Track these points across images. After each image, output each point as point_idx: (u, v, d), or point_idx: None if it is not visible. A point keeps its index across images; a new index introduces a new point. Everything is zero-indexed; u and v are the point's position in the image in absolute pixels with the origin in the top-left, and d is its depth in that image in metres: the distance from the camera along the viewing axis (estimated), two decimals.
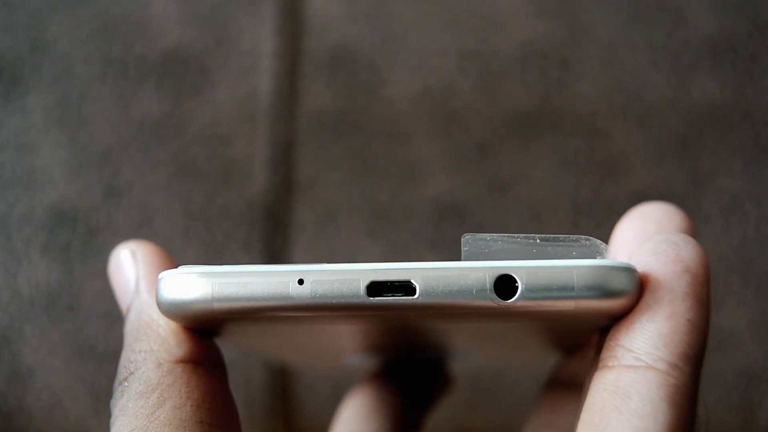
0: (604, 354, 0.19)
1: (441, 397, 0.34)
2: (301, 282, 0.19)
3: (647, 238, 0.20)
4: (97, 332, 0.43)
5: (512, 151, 0.45)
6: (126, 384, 0.20)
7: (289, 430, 0.46)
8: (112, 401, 0.21)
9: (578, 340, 0.26)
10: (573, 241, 0.20)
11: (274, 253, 0.44)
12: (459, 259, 0.20)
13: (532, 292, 0.19)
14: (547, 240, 0.20)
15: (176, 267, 0.22)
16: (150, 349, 0.21)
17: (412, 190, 0.45)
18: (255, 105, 0.45)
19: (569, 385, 0.28)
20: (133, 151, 0.44)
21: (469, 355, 0.32)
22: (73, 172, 0.44)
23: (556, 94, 0.45)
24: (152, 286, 0.22)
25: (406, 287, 0.19)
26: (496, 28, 0.46)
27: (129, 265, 0.23)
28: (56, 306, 0.44)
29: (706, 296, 0.19)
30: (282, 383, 0.45)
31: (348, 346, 0.27)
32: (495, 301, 0.18)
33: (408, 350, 0.29)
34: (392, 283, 0.19)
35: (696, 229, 0.22)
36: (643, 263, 0.19)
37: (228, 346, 0.24)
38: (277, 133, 0.45)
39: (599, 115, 0.45)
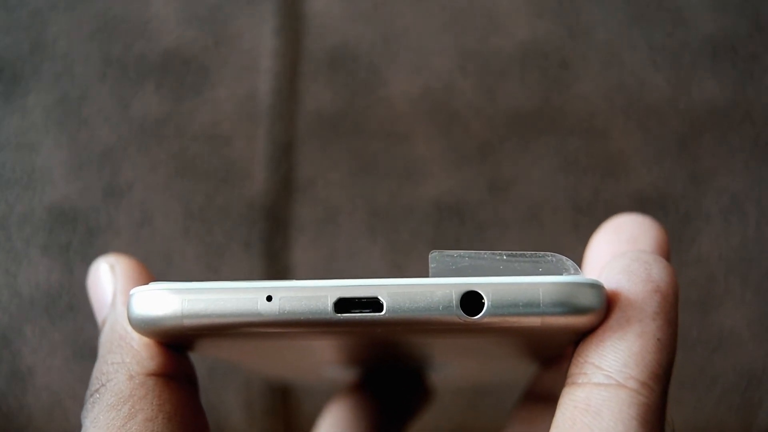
0: (574, 370, 0.19)
1: (421, 410, 0.33)
2: (269, 299, 0.19)
3: (620, 253, 0.20)
4: (97, 332, 0.43)
5: (512, 151, 0.45)
6: (97, 395, 0.20)
7: (289, 430, 0.46)
8: (83, 412, 0.21)
9: (552, 353, 0.26)
10: (539, 257, 0.20)
11: (274, 253, 0.44)
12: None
13: (498, 308, 0.19)
14: (513, 256, 0.20)
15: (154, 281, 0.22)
16: (122, 361, 0.21)
17: (412, 190, 0.45)
18: (255, 105, 0.45)
19: (545, 397, 0.28)
20: (133, 151, 0.44)
21: (445, 368, 0.32)
22: (73, 172, 0.44)
23: (556, 94, 0.45)
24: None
25: (374, 303, 0.19)
26: (496, 28, 0.46)
27: (107, 278, 0.23)
28: (56, 306, 0.44)
29: (674, 316, 0.19)
30: (282, 383, 0.45)
31: (323, 359, 0.28)
32: (461, 318, 0.19)
33: (384, 364, 0.29)
34: (359, 299, 0.19)
35: (669, 242, 0.22)
36: (613, 281, 0.20)
37: (206, 358, 0.24)
38: (277, 133, 0.45)
39: (599, 115, 0.45)
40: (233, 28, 0.45)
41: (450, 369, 0.32)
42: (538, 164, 0.45)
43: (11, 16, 0.45)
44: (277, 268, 0.44)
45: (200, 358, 0.23)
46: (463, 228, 0.44)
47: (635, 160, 0.45)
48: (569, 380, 0.19)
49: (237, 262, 0.44)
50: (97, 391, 0.21)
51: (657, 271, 0.19)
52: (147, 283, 0.22)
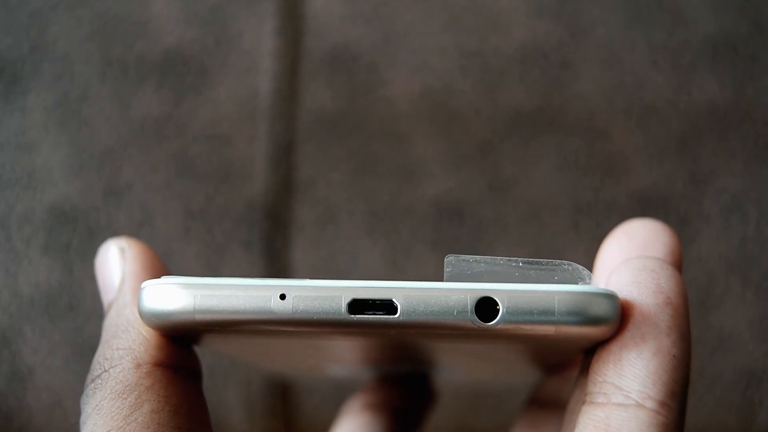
0: (592, 389, 0.19)
1: (430, 412, 0.33)
2: (283, 297, 0.19)
3: (628, 260, 0.20)
4: (97, 332, 0.43)
5: (512, 151, 0.45)
6: (99, 381, 0.20)
7: (289, 430, 0.46)
8: (83, 398, 0.20)
9: (562, 360, 0.26)
10: (555, 265, 0.20)
11: (274, 253, 0.44)
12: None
13: (512, 315, 0.19)
14: (529, 263, 0.20)
15: (165, 269, 0.22)
16: (129, 347, 0.20)
17: (412, 190, 0.45)
18: (255, 105, 0.45)
19: (550, 404, 0.28)
20: (133, 151, 0.44)
21: (454, 371, 0.32)
22: (73, 172, 0.44)
23: (556, 94, 0.45)
24: (138, 286, 0.21)
25: (388, 306, 0.19)
26: (496, 28, 0.46)
27: (116, 261, 0.23)
28: (56, 306, 0.44)
29: (687, 328, 0.19)
30: (282, 383, 0.45)
31: (332, 358, 0.27)
32: (475, 323, 0.19)
33: (393, 365, 0.29)
34: (374, 301, 0.19)
35: (681, 247, 0.22)
36: (624, 292, 0.19)
37: (207, 354, 0.24)
38: (277, 133, 0.45)
39: (599, 115, 0.45)
40: (233, 28, 0.45)
41: (456, 372, 0.32)
42: (538, 164, 0.45)
43: (11, 16, 0.45)
44: (277, 268, 0.44)
45: (200, 357, 0.23)
46: (463, 228, 0.44)
47: (635, 160, 0.45)
48: (588, 398, 0.19)
49: (237, 262, 0.44)
50: (99, 377, 0.20)
51: (666, 280, 0.19)
52: (157, 270, 0.22)
